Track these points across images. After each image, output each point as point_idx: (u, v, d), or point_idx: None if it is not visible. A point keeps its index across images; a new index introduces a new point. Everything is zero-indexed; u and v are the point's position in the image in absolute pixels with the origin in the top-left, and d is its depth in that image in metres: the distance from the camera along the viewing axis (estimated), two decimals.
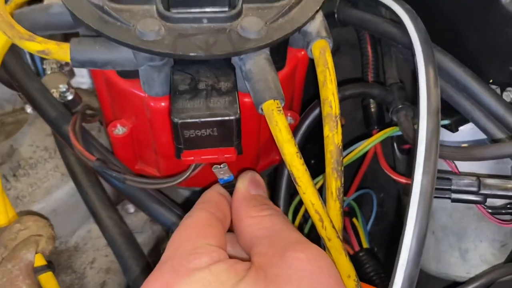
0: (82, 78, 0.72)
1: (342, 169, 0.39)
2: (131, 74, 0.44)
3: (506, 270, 0.53)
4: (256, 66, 0.40)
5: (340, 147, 0.39)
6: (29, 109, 0.61)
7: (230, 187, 0.44)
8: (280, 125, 0.38)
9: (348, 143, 0.54)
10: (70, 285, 0.56)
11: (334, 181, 0.39)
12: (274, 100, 0.38)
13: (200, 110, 0.38)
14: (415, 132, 0.49)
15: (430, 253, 0.57)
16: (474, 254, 0.55)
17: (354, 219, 0.66)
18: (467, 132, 0.52)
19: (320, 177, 0.57)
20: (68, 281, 0.56)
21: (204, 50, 0.38)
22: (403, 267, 0.36)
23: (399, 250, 0.36)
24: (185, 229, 0.38)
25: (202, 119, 0.38)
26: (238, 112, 0.38)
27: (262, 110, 0.39)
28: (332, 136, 0.38)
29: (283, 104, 0.39)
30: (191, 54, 0.38)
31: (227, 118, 0.38)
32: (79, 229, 0.60)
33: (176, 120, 0.38)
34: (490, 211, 0.50)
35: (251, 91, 0.40)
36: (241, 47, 0.39)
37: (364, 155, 0.62)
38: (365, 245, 0.66)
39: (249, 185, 0.43)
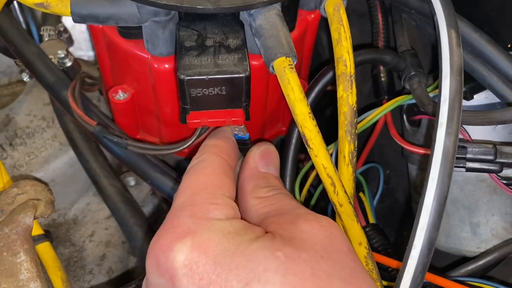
0: (81, 51, 0.70)
1: (356, 132, 0.38)
2: (133, 34, 0.43)
3: None
4: (267, 22, 0.38)
5: (355, 108, 0.37)
6: (25, 77, 0.59)
7: (241, 144, 0.42)
8: (292, 83, 0.36)
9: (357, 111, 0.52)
10: (69, 258, 0.54)
11: (347, 145, 0.37)
12: (286, 57, 0.37)
13: (208, 67, 0.37)
14: (430, 99, 0.48)
15: (440, 227, 0.56)
16: (485, 228, 0.53)
17: (360, 194, 0.64)
18: (481, 101, 0.50)
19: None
20: (67, 254, 0.54)
21: (212, 3, 0.36)
22: (422, 230, 0.34)
23: (418, 212, 0.35)
24: (201, 175, 0.37)
25: (210, 76, 0.36)
26: (248, 69, 0.37)
27: (273, 68, 0.37)
28: (347, 96, 0.37)
29: (295, 62, 0.37)
30: (199, 7, 0.36)
31: (236, 75, 0.36)
32: (77, 202, 0.58)
33: (182, 76, 0.36)
34: (504, 182, 0.48)
35: (262, 48, 0.38)
36: (251, 1, 0.37)
37: (372, 128, 0.61)
38: (372, 220, 0.65)
39: (260, 159, 0.42)
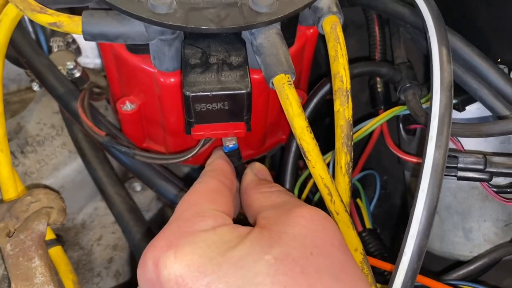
0: (87, 59, 0.72)
1: (352, 144, 0.40)
2: (141, 50, 0.45)
3: (510, 249, 0.53)
4: (267, 41, 0.40)
5: (351, 121, 0.39)
6: (35, 87, 0.61)
7: (232, 155, 0.45)
8: (291, 99, 0.38)
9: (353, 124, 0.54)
10: (78, 261, 0.56)
11: (344, 156, 0.40)
12: (285, 74, 0.39)
13: (211, 84, 0.39)
14: (423, 111, 0.50)
15: (434, 232, 0.58)
16: (478, 234, 0.55)
17: (358, 200, 0.66)
18: (473, 113, 0.52)
19: (325, 156, 0.57)
20: (75, 257, 0.56)
21: (216, 24, 0.38)
22: (413, 238, 0.36)
23: (409, 221, 0.37)
24: (193, 194, 0.38)
25: (214, 93, 0.38)
26: (249, 86, 0.39)
27: (273, 84, 0.39)
28: (343, 110, 0.39)
29: (293, 79, 0.39)
30: (203, 27, 0.38)
31: (238, 91, 0.39)
32: (86, 207, 0.60)
33: (188, 93, 0.38)
34: (494, 189, 0.50)
35: (262, 65, 0.40)
36: (252, 21, 0.39)
37: (369, 136, 0.63)
38: (368, 225, 0.67)
39: (257, 172, 0.45)
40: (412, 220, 0.37)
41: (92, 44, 0.70)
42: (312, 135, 0.38)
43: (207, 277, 0.30)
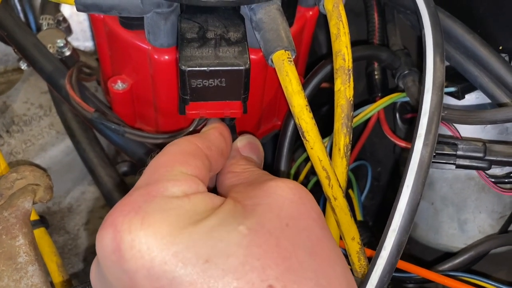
0: (77, 41, 0.70)
1: (352, 125, 0.39)
2: (135, 25, 0.43)
3: (497, 242, 0.53)
4: (268, 16, 0.38)
5: (352, 102, 0.38)
6: (23, 65, 0.59)
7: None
8: (290, 76, 0.37)
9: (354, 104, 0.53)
10: (63, 246, 0.55)
11: (343, 137, 0.38)
12: (285, 50, 0.37)
13: (208, 59, 0.37)
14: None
15: (428, 224, 0.57)
16: (473, 225, 0.55)
17: (350, 191, 0.65)
18: (472, 102, 0.52)
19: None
20: (61, 241, 0.55)
21: None
22: (394, 232, 0.36)
23: (391, 215, 0.36)
24: (164, 156, 0.34)
25: (211, 68, 0.37)
26: (248, 62, 0.37)
27: (272, 61, 0.38)
28: (344, 89, 0.38)
29: (293, 56, 0.38)
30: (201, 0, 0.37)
31: (236, 68, 0.37)
32: (73, 190, 0.58)
33: (184, 67, 0.37)
34: (492, 180, 0.50)
35: (261, 41, 0.38)
36: None
37: (363, 126, 0.62)
38: (359, 217, 0.66)
39: (244, 146, 0.42)
40: (395, 214, 0.36)
41: (83, 26, 0.68)
42: (311, 115, 0.37)
43: (174, 246, 0.28)
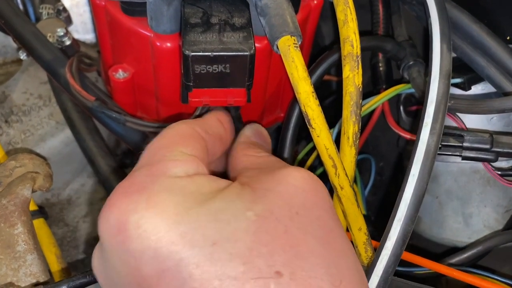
0: (77, 34, 0.69)
1: (361, 113, 0.38)
2: (137, 11, 0.42)
3: (504, 237, 0.52)
4: (273, 1, 0.38)
5: (361, 89, 0.37)
6: (22, 55, 0.58)
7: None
8: (296, 62, 0.36)
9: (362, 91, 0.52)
10: (62, 238, 0.54)
11: (352, 125, 0.38)
12: (291, 36, 0.37)
13: (213, 44, 0.36)
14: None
15: (432, 218, 0.57)
16: (478, 219, 0.54)
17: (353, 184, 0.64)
18: (478, 93, 0.51)
19: None
20: (60, 233, 0.54)
21: None
22: (399, 221, 0.35)
23: (396, 205, 0.36)
24: (162, 138, 0.33)
25: (215, 53, 0.36)
26: (253, 47, 0.37)
27: (277, 47, 0.37)
28: (353, 76, 0.37)
29: (299, 42, 0.37)
30: None
31: (241, 53, 0.36)
32: (72, 182, 0.57)
33: (187, 52, 0.36)
34: (498, 173, 0.49)
35: (267, 27, 0.38)
36: None
37: (368, 119, 0.61)
38: (363, 211, 0.65)
39: (253, 134, 0.42)
40: (400, 203, 0.36)
41: (83, 18, 0.68)
42: (317, 102, 0.36)
43: (182, 226, 0.27)
